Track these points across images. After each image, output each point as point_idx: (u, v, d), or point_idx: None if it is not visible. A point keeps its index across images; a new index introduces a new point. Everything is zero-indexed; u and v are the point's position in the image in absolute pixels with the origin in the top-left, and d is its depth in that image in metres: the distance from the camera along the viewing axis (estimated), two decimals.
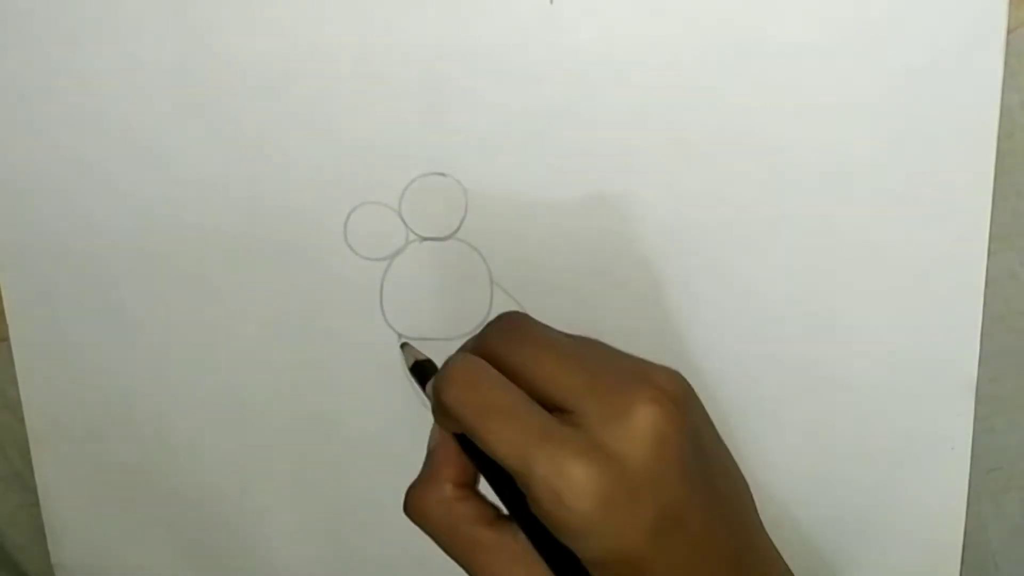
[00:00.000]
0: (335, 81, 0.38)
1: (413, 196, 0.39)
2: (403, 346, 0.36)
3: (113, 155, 0.39)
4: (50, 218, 0.40)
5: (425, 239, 0.39)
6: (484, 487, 0.33)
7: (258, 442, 0.42)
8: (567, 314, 0.39)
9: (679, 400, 0.29)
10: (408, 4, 0.37)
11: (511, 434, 0.28)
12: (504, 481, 0.30)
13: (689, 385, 0.31)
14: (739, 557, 0.31)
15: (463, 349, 0.32)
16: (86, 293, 0.41)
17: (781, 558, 0.34)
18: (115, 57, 0.38)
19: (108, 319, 0.41)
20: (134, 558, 0.43)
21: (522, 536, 0.31)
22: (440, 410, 0.31)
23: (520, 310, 0.39)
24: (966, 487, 0.40)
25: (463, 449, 0.32)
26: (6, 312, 0.41)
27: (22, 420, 0.42)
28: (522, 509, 0.29)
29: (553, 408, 0.29)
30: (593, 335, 0.39)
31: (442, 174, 0.38)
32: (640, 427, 0.28)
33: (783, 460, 0.40)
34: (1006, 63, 0.36)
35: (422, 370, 0.36)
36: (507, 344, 0.31)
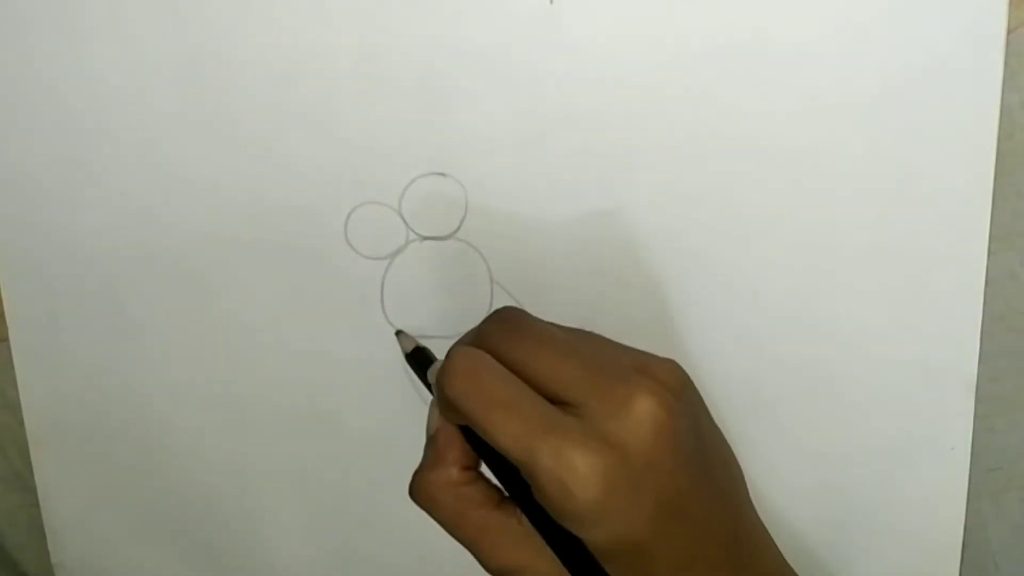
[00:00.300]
0: (336, 81, 0.38)
1: (413, 196, 0.39)
2: (398, 333, 0.36)
3: (113, 155, 0.39)
4: (50, 218, 0.40)
5: (425, 238, 0.39)
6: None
7: (258, 441, 0.42)
8: (567, 313, 0.39)
9: (677, 390, 0.30)
10: (408, 4, 0.37)
11: (515, 426, 0.29)
12: (508, 470, 0.31)
13: (687, 375, 0.31)
14: (735, 540, 0.32)
15: (461, 343, 0.32)
16: (86, 293, 0.41)
17: (772, 541, 0.34)
18: (115, 57, 0.38)
19: (108, 319, 0.41)
20: (134, 558, 0.43)
21: (527, 519, 0.31)
22: (443, 402, 0.31)
23: (522, 306, 0.39)
24: (966, 487, 0.40)
25: (466, 438, 0.32)
26: (6, 313, 0.41)
27: (22, 421, 0.42)
28: (526, 497, 0.30)
29: (554, 401, 0.30)
30: None
31: (442, 174, 0.38)
32: (639, 417, 0.29)
33: (783, 460, 0.40)
34: (1006, 63, 0.36)
35: (419, 357, 0.36)
36: (506, 339, 0.31)
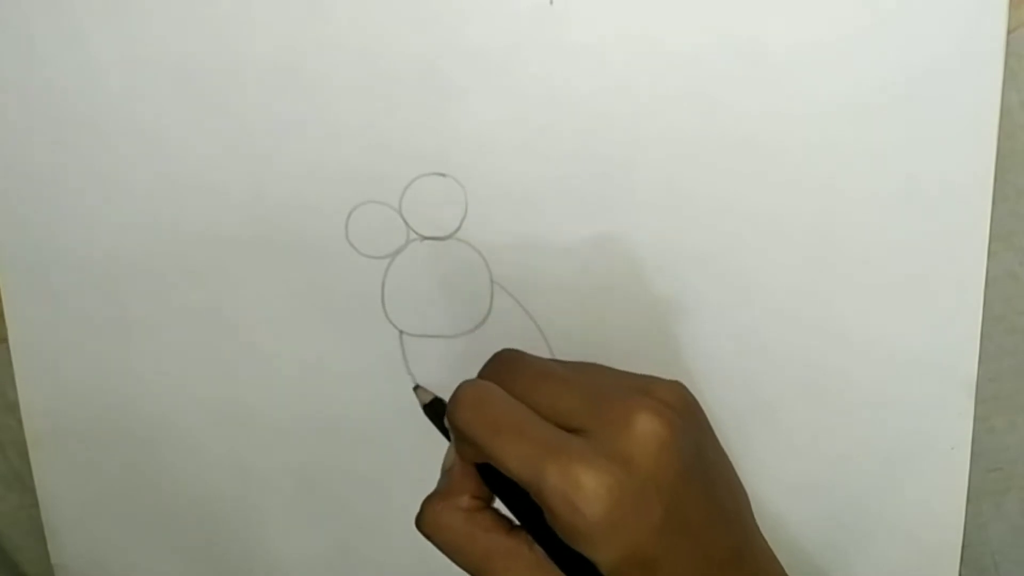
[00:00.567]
0: (336, 81, 0.38)
1: (414, 195, 0.39)
2: (416, 388, 0.37)
3: (113, 155, 0.39)
4: (50, 218, 0.40)
5: (426, 238, 0.39)
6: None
7: (259, 441, 0.42)
8: (566, 313, 0.39)
9: (678, 408, 0.30)
10: (409, 4, 0.37)
11: (522, 448, 0.29)
12: (521, 503, 0.31)
13: (690, 394, 0.32)
14: (739, 557, 0.32)
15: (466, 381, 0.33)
16: (86, 293, 0.41)
17: (777, 560, 0.35)
18: (115, 56, 0.38)
19: (108, 319, 0.41)
20: (134, 558, 0.43)
21: (538, 547, 0.31)
22: (456, 437, 0.32)
23: (520, 310, 0.39)
24: (966, 487, 0.40)
25: (483, 479, 0.32)
26: (5, 313, 0.41)
27: (22, 421, 0.42)
28: (539, 527, 0.30)
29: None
30: (592, 334, 0.39)
31: (442, 174, 0.38)
32: (641, 434, 0.29)
33: (783, 460, 0.40)
34: (1006, 63, 0.36)
35: (437, 408, 0.36)
36: (508, 376, 0.32)
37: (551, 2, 0.37)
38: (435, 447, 0.41)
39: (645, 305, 0.39)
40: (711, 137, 0.37)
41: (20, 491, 0.43)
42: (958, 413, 0.39)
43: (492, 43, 0.37)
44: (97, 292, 0.41)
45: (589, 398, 0.30)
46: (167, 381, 0.41)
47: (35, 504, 0.43)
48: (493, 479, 0.32)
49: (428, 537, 0.33)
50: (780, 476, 0.40)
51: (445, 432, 0.34)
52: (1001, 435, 0.41)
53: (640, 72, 0.37)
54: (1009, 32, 0.36)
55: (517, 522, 0.32)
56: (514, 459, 0.29)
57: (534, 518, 0.30)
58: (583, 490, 0.28)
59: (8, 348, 0.41)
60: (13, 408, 0.42)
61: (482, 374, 0.33)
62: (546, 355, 0.39)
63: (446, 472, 0.34)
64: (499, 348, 0.39)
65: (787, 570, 0.35)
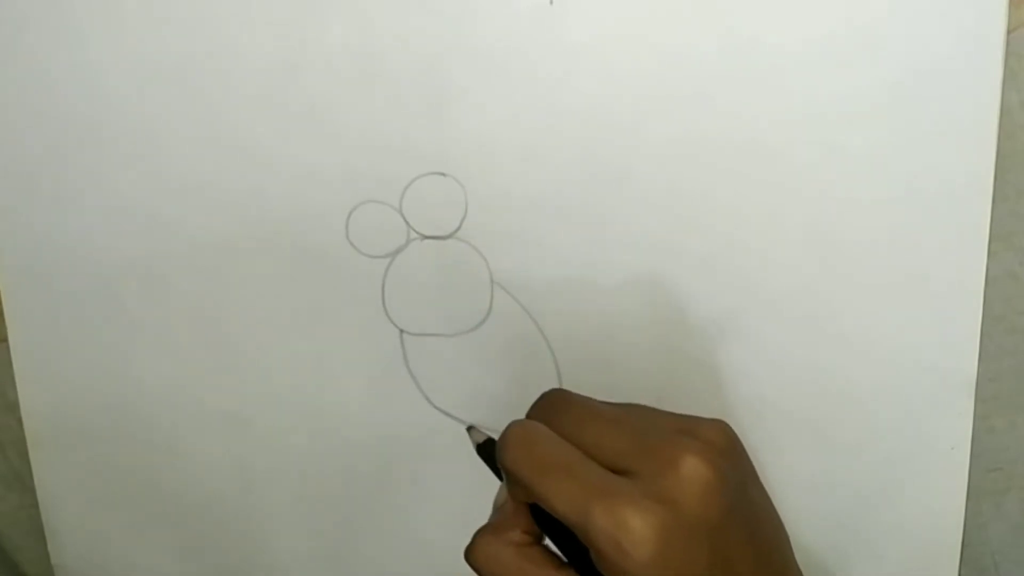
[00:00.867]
0: (336, 81, 0.38)
1: (414, 195, 0.39)
2: (469, 429, 0.37)
3: (112, 155, 0.39)
4: (50, 219, 0.40)
5: (426, 237, 0.39)
6: None
7: (259, 441, 0.42)
8: (566, 313, 0.39)
9: (724, 449, 0.30)
10: (409, 4, 0.37)
11: (569, 489, 0.29)
12: (571, 545, 0.31)
13: (734, 435, 0.32)
14: None
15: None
16: (86, 293, 0.41)
17: None
18: (115, 57, 0.38)
19: (108, 319, 0.41)
20: (134, 558, 0.43)
21: None
22: (508, 478, 0.31)
23: (521, 310, 0.39)
24: (966, 487, 0.40)
25: (534, 518, 0.32)
26: (6, 313, 0.41)
27: (22, 421, 0.42)
28: (587, 565, 0.30)
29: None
30: (591, 333, 0.39)
31: (442, 173, 0.38)
32: (687, 476, 0.29)
33: (783, 460, 0.40)
34: (1006, 63, 0.36)
35: (490, 448, 0.36)
36: (555, 415, 0.32)
37: (551, 2, 0.37)
38: (435, 447, 0.41)
39: (645, 304, 0.39)
40: (711, 137, 0.37)
41: (20, 491, 0.43)
42: (958, 413, 0.39)
43: (492, 43, 0.37)
44: (97, 292, 0.41)
45: (635, 439, 0.30)
46: (167, 381, 0.41)
47: (35, 504, 0.43)
48: (543, 519, 0.32)
49: (477, 569, 0.32)
50: (780, 476, 0.40)
51: (498, 472, 0.34)
52: (1001, 435, 0.41)
53: (640, 72, 0.37)
54: (1009, 32, 0.36)
55: (566, 560, 0.32)
56: (561, 499, 0.29)
57: (582, 558, 0.30)
58: (630, 532, 0.28)
59: (8, 348, 0.41)
60: (13, 408, 0.42)
61: (530, 414, 0.33)
62: (546, 355, 0.39)
63: (498, 508, 0.34)
64: (499, 347, 0.39)
65: None
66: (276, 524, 0.43)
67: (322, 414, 0.41)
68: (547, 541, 0.33)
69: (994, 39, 0.36)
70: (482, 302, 0.39)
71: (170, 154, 0.39)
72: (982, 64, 0.36)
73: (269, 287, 0.40)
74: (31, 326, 0.41)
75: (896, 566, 0.41)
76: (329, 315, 0.40)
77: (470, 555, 0.32)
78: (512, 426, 0.31)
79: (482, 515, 0.42)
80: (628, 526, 0.28)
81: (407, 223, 0.39)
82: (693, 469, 0.29)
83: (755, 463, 0.38)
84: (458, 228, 0.39)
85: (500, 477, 0.34)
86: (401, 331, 0.40)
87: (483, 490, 0.41)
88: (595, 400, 0.33)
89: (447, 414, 0.40)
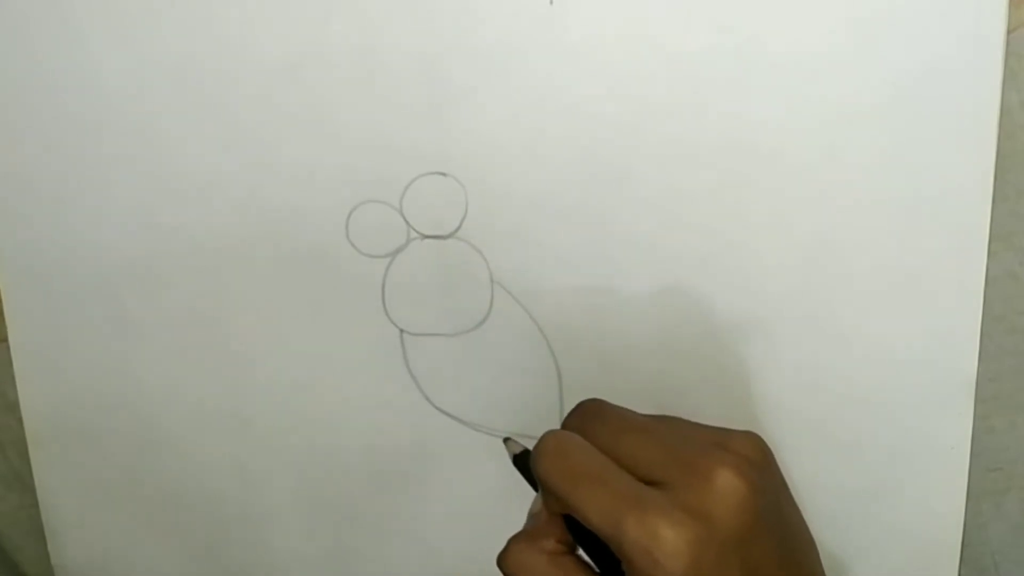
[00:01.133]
0: (336, 80, 0.38)
1: (414, 194, 0.39)
2: (506, 440, 0.37)
3: (112, 155, 0.39)
4: (50, 219, 0.40)
5: (426, 237, 0.39)
6: None
7: (259, 441, 0.42)
8: (566, 313, 0.39)
9: (757, 464, 0.31)
10: (409, 4, 0.37)
11: (602, 499, 0.29)
12: (603, 554, 0.31)
13: (766, 446, 0.32)
14: None
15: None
16: (86, 293, 0.41)
17: None
18: (115, 57, 0.38)
19: (108, 319, 0.41)
20: (134, 558, 0.43)
21: None
22: (543, 488, 0.32)
23: (521, 310, 0.39)
24: (966, 487, 0.40)
25: (569, 529, 0.32)
26: (6, 313, 0.41)
27: (22, 421, 0.42)
28: None
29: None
30: (591, 333, 0.39)
31: (443, 173, 0.38)
32: (722, 490, 0.29)
33: (783, 460, 0.40)
34: (1006, 63, 0.36)
35: (526, 459, 0.36)
36: (589, 425, 0.32)
37: (551, 2, 0.37)
38: (435, 447, 0.41)
39: (644, 305, 0.39)
40: (711, 137, 0.37)
41: (20, 491, 0.43)
42: (958, 413, 0.39)
43: (492, 43, 0.37)
44: (97, 292, 0.41)
45: (669, 451, 0.30)
46: (167, 381, 0.41)
47: (35, 504, 0.43)
48: (578, 530, 0.32)
49: (510, 572, 0.33)
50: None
51: (533, 483, 0.34)
52: (1001, 435, 0.41)
53: (640, 72, 0.37)
54: (1009, 32, 0.36)
55: (598, 571, 0.32)
56: (594, 510, 0.29)
57: (615, 570, 0.30)
58: (663, 544, 0.28)
59: (8, 348, 0.41)
60: (13, 408, 0.42)
61: (565, 424, 0.33)
62: (547, 355, 0.39)
63: (534, 516, 0.34)
64: (499, 347, 0.39)
65: None
66: (276, 524, 0.43)
67: (322, 414, 0.41)
68: (580, 552, 0.33)
69: (994, 39, 0.36)
70: (482, 302, 0.39)
71: (170, 154, 0.39)
72: (982, 64, 0.36)
73: (269, 287, 0.40)
74: (31, 326, 0.41)
75: (896, 566, 0.41)
76: (329, 315, 0.40)
77: (503, 561, 0.33)
78: (547, 436, 0.32)
79: (481, 515, 0.42)
80: (661, 538, 0.28)
81: (407, 223, 0.39)
82: (727, 482, 0.29)
83: None
84: (458, 228, 0.39)
85: (536, 488, 0.34)
86: (401, 331, 0.40)
87: (482, 491, 0.41)
88: (630, 411, 0.33)
89: (447, 414, 0.40)
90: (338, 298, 0.40)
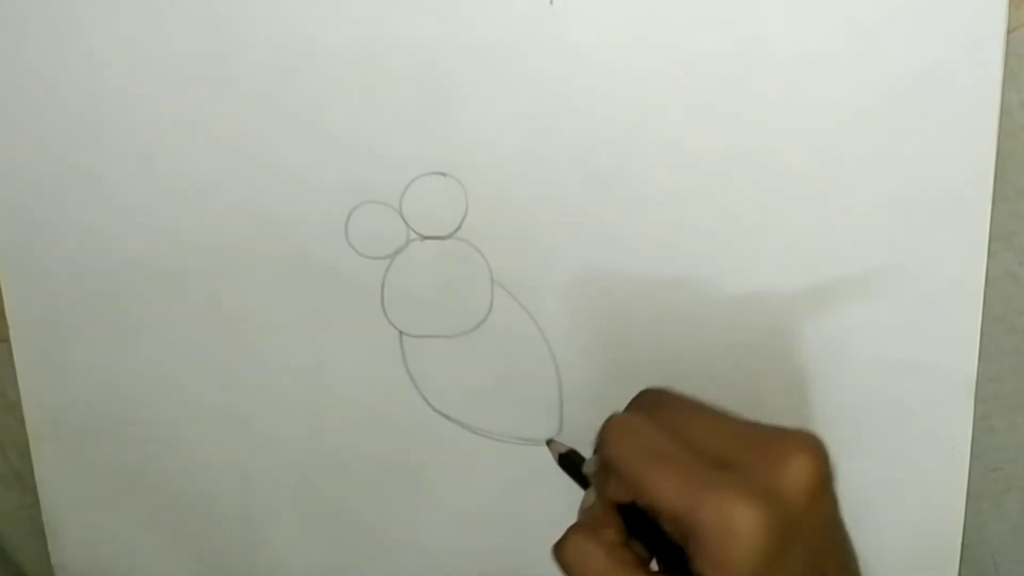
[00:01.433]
0: (336, 82, 0.38)
1: (414, 195, 0.39)
2: (549, 443, 0.36)
3: (112, 156, 0.39)
4: (50, 220, 0.40)
5: (426, 238, 0.39)
6: None
7: (259, 442, 0.42)
8: (566, 313, 0.39)
9: (825, 455, 0.30)
10: (408, 4, 0.37)
11: (675, 480, 0.29)
12: (661, 546, 0.31)
13: (826, 446, 0.31)
14: None
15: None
16: (86, 293, 0.41)
17: None
18: (115, 58, 0.38)
19: (108, 319, 0.41)
20: (134, 558, 0.43)
21: None
22: (604, 467, 0.31)
23: (521, 310, 0.39)
24: (966, 487, 0.40)
25: (624, 521, 0.32)
26: (6, 313, 0.41)
27: (22, 421, 0.42)
28: (679, 570, 0.30)
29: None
30: (591, 333, 0.39)
31: (442, 173, 0.38)
32: (797, 473, 0.29)
33: None
34: (1006, 63, 0.36)
35: (572, 459, 0.36)
36: (656, 411, 0.31)
37: (551, 2, 0.37)
38: (434, 449, 0.41)
39: (646, 305, 0.39)
40: (711, 137, 0.37)
41: (20, 491, 0.43)
42: (958, 413, 0.39)
43: (492, 43, 0.37)
44: (97, 292, 0.41)
45: (741, 435, 0.30)
46: (167, 381, 0.41)
47: (35, 504, 0.43)
48: (634, 522, 0.31)
49: (565, 566, 0.32)
50: None
51: (581, 481, 0.34)
52: (1001, 435, 0.41)
53: (640, 73, 0.37)
54: (1009, 32, 0.36)
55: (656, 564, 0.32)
56: (667, 490, 0.29)
57: (674, 562, 0.30)
58: (737, 524, 0.28)
59: (8, 348, 0.41)
60: (13, 408, 0.42)
61: (632, 406, 0.32)
62: (547, 356, 0.39)
63: (587, 510, 0.33)
64: (499, 348, 0.39)
65: None
66: (276, 524, 0.43)
67: (321, 416, 0.41)
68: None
69: (994, 39, 0.36)
70: (482, 303, 0.39)
71: (170, 154, 0.39)
72: (982, 64, 0.36)
73: (268, 288, 0.40)
74: (31, 326, 0.41)
75: (896, 566, 0.41)
76: (328, 317, 0.40)
77: (560, 551, 0.32)
78: (614, 418, 0.31)
79: (480, 517, 0.42)
80: (735, 518, 0.28)
81: (407, 224, 0.39)
82: (803, 464, 0.29)
83: None
84: (458, 228, 0.39)
85: (584, 486, 0.33)
86: (400, 333, 0.40)
87: (482, 493, 0.41)
88: (693, 398, 0.32)
89: (446, 416, 0.40)
90: (337, 300, 0.40)
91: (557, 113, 0.38)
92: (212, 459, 0.42)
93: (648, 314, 0.39)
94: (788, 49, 0.37)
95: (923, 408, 0.39)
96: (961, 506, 0.40)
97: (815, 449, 0.29)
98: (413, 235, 0.39)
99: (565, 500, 0.33)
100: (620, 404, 0.32)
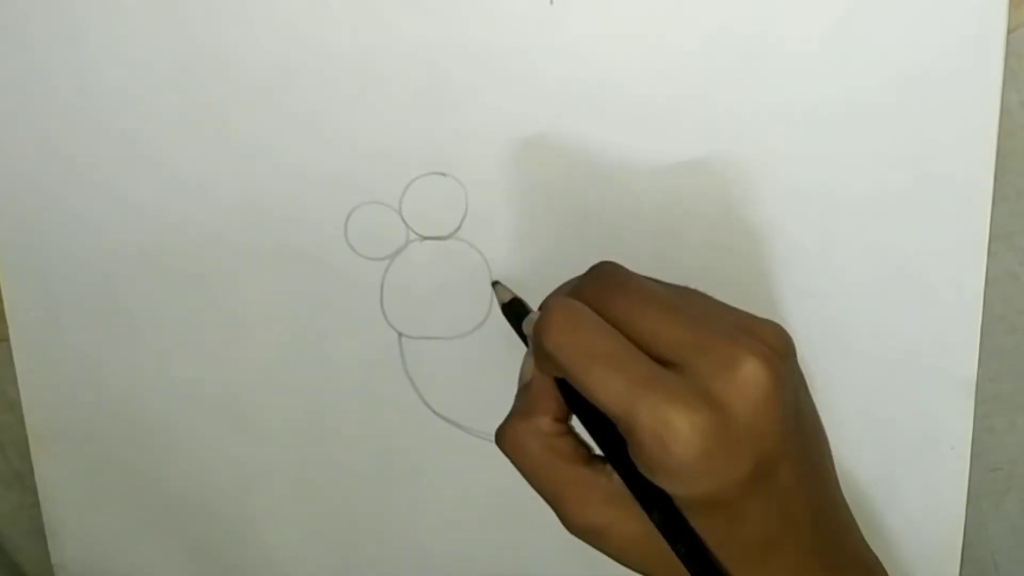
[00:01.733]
0: (335, 81, 0.38)
1: (413, 196, 0.39)
2: (495, 284, 0.35)
3: (112, 156, 0.39)
4: (50, 219, 0.40)
5: (426, 238, 0.39)
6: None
7: (258, 442, 0.42)
8: None
9: (783, 354, 0.29)
10: (408, 4, 0.37)
11: (615, 381, 0.28)
12: (600, 425, 0.30)
13: (791, 339, 0.30)
14: (821, 514, 0.32)
15: (558, 293, 0.31)
16: (86, 293, 0.41)
17: (855, 522, 0.34)
18: (114, 57, 0.38)
19: (108, 319, 0.41)
20: (134, 558, 0.43)
21: (616, 477, 0.30)
22: (540, 354, 0.30)
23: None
24: (966, 487, 0.40)
25: (560, 391, 0.31)
26: (6, 312, 0.41)
27: (22, 420, 0.42)
28: (618, 454, 0.29)
29: (655, 359, 0.29)
30: None
31: (442, 174, 0.38)
32: (745, 380, 0.28)
33: None
34: (1006, 63, 0.36)
35: (515, 308, 0.35)
36: (606, 294, 0.30)
37: (551, 2, 0.37)
38: (433, 451, 0.41)
39: None
40: (711, 137, 0.37)
41: (20, 491, 0.43)
42: (958, 413, 0.39)
43: (492, 43, 0.37)
44: (97, 292, 0.41)
45: (692, 331, 0.29)
46: (167, 381, 0.41)
47: (35, 504, 0.43)
48: (572, 396, 0.30)
49: (507, 455, 0.31)
50: None
51: (522, 336, 0.32)
52: (1001, 435, 0.41)
53: (640, 72, 0.37)
54: (1009, 32, 0.36)
55: (596, 448, 0.31)
56: (605, 391, 0.28)
57: (613, 443, 0.29)
58: (676, 430, 0.27)
59: (8, 347, 0.41)
60: (14, 407, 0.42)
61: (579, 288, 0.31)
62: None
63: (524, 387, 0.32)
64: (499, 349, 0.39)
65: None
66: (276, 524, 0.43)
67: (320, 417, 0.41)
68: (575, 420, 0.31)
69: (994, 39, 0.36)
70: (482, 303, 0.39)
71: (170, 154, 0.39)
72: (982, 64, 0.36)
73: (268, 288, 0.40)
74: (31, 325, 0.41)
75: (896, 566, 0.41)
76: (327, 318, 0.40)
77: (500, 441, 0.31)
78: (555, 304, 0.30)
79: (479, 519, 0.42)
80: (675, 425, 0.27)
81: (406, 224, 0.39)
82: (752, 372, 0.28)
83: None
84: (458, 228, 0.39)
85: (526, 342, 0.32)
86: (400, 334, 0.40)
87: (481, 495, 0.41)
88: (650, 281, 0.31)
89: (445, 419, 0.40)
90: (336, 301, 0.40)
91: (557, 113, 0.38)
92: (213, 459, 0.42)
93: None
94: (788, 49, 0.36)
95: (923, 408, 0.39)
96: (961, 506, 0.40)
97: (766, 355, 0.28)
98: (413, 235, 0.39)
99: None
100: None
